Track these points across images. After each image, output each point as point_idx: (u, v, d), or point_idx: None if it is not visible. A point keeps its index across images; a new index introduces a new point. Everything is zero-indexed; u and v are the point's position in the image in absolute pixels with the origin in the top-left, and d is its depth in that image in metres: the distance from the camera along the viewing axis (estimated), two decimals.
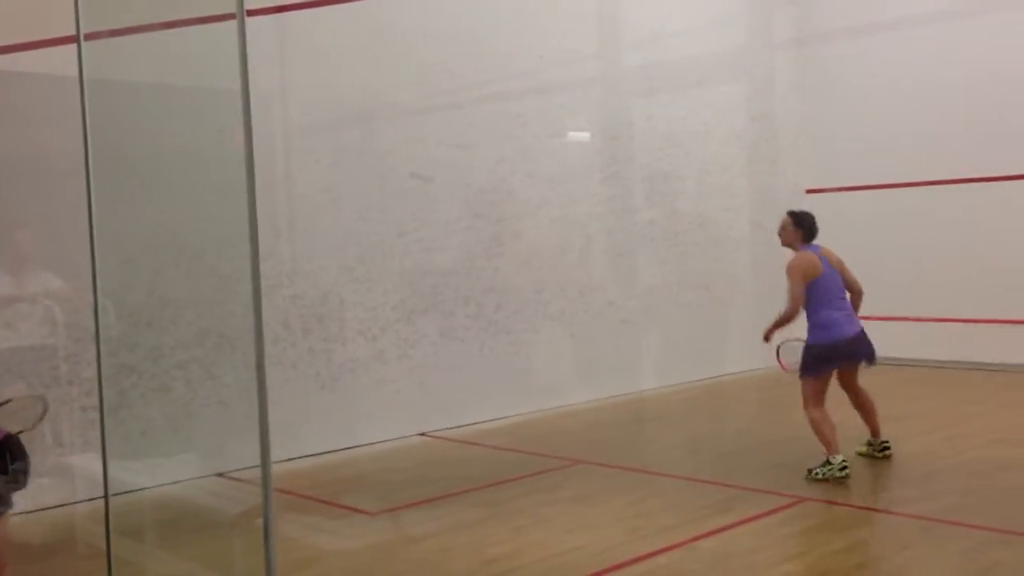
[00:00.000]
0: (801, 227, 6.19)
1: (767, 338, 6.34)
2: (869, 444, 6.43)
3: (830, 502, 5.38)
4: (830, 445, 5.88)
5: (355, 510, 5.75)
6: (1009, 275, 9.61)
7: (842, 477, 5.77)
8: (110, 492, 4.15)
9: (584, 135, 9.21)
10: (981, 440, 6.79)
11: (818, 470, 5.85)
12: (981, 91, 9.71)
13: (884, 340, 10.66)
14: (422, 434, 7.75)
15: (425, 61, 7.87)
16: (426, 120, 7.98)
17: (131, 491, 5.79)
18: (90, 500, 5.70)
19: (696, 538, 4.88)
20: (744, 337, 10.57)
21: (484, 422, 8.08)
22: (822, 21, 11.05)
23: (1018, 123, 9.43)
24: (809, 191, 10.98)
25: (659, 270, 9.74)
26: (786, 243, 6.29)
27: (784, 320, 6.14)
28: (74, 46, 4.11)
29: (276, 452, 3.28)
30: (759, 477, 6.00)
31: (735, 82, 10.51)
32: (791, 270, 6.07)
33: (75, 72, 4.13)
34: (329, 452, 7.17)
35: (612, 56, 9.55)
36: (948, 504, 5.28)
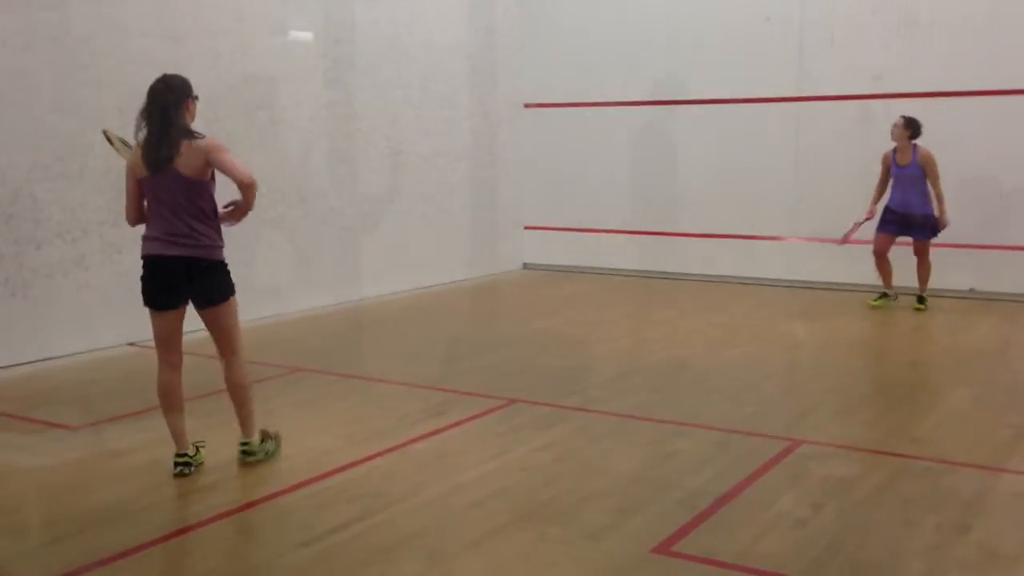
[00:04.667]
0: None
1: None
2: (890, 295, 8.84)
3: (535, 402, 5.76)
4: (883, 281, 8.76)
5: (51, 424, 5.42)
6: (698, 192, 10.54)
7: (874, 305, 8.63)
8: None
9: (307, 35, 8.91)
10: (667, 343, 7.50)
11: None
12: (685, 18, 10.41)
13: (588, 251, 11.42)
14: (131, 344, 7.37)
15: None
16: (128, 6, 7.37)
17: None
18: None
19: (409, 441, 5.06)
20: (463, 247, 10.90)
21: (199, 331, 7.79)
22: None
23: (710, 55, 10.24)
24: (527, 105, 11.36)
25: (381, 178, 9.74)
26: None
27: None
28: None
29: None
30: (472, 381, 6.28)
31: None
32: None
33: None
34: (21, 364, 6.67)
35: None
36: (636, 401, 5.83)
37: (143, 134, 4.46)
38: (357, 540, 3.84)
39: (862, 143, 9.20)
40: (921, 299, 8.67)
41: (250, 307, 8.28)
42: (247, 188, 4.48)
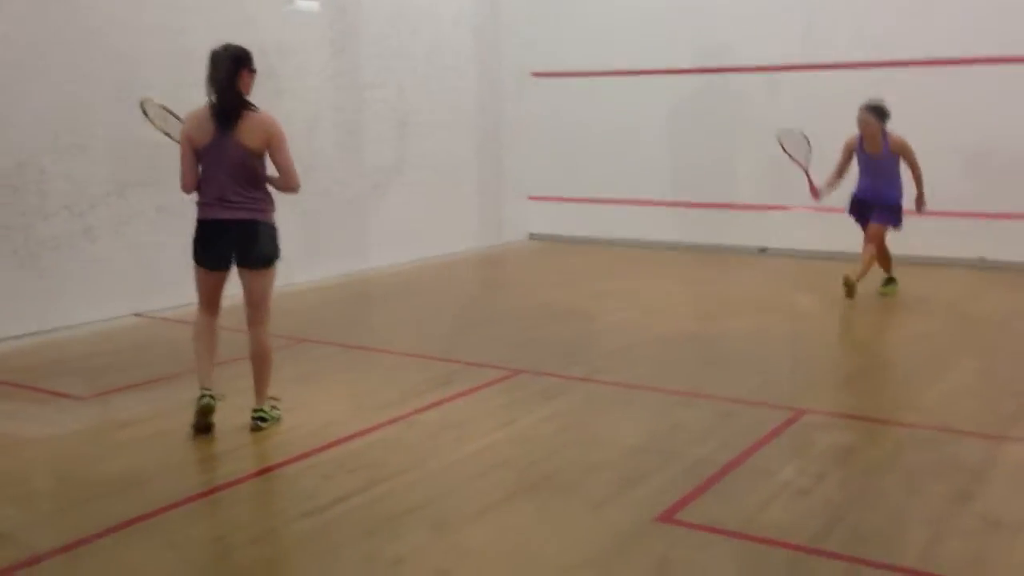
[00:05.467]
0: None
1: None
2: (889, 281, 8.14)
3: (541, 373, 5.77)
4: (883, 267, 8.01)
5: (59, 394, 5.45)
6: (707, 162, 10.50)
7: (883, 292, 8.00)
8: None
9: (313, 4, 8.85)
10: (672, 313, 7.50)
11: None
12: None
13: (594, 221, 11.38)
14: (137, 314, 7.41)
15: None
16: None
17: None
18: None
19: (415, 412, 5.08)
20: (469, 218, 10.88)
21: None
22: None
23: (721, 21, 10.15)
24: (535, 74, 11.28)
25: (387, 149, 9.71)
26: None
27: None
28: None
29: None
30: (478, 352, 6.29)
31: None
32: None
33: None
34: (29, 335, 6.70)
35: None
36: (641, 372, 5.84)
37: (212, 99, 4.61)
38: (362, 510, 3.87)
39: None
40: (850, 285, 7.54)
41: None
42: (287, 191, 4.75)
